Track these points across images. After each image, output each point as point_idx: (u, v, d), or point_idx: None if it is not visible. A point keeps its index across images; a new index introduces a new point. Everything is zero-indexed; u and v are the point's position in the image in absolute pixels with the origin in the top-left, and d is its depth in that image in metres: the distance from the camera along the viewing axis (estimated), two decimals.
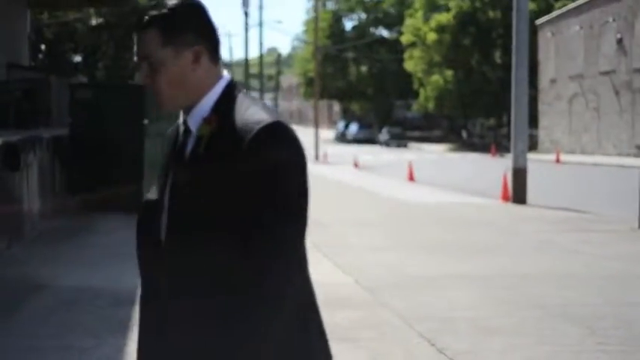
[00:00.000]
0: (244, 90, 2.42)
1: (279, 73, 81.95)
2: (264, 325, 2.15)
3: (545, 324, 7.41)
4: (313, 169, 36.77)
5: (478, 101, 64.12)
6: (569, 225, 15.25)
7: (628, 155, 43.64)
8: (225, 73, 2.40)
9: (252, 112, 2.29)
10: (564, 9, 56.23)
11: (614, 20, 47.93)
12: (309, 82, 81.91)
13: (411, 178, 28.71)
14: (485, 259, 11.12)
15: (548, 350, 6.54)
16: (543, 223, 15.53)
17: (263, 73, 66.43)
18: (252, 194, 2.18)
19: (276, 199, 2.22)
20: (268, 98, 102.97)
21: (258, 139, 2.21)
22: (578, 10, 52.84)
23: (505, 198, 20.25)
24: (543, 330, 7.19)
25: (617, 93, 48.00)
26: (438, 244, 12.65)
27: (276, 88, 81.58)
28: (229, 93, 2.35)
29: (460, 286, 9.11)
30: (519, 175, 19.98)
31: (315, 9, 61.03)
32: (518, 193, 19.87)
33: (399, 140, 72.81)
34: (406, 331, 7.15)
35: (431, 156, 53.89)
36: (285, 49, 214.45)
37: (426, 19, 65.72)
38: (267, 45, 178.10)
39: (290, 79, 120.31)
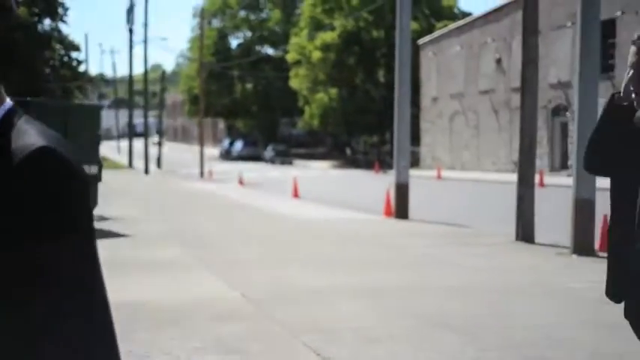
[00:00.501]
0: (25, 116, 2.15)
1: (163, 90, 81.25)
2: None
3: (426, 333, 7.63)
4: (198, 187, 36.63)
5: (362, 119, 65.02)
6: (450, 239, 15.66)
7: (506, 171, 44.92)
8: (8, 100, 2.15)
9: (25, 136, 1.97)
10: (445, 29, 57.66)
11: (493, 41, 49.37)
12: (193, 100, 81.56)
13: (296, 194, 28.93)
14: (369, 272, 11.34)
15: (429, 357, 6.75)
16: (425, 238, 15.91)
17: (147, 90, 65.79)
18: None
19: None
20: (152, 115, 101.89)
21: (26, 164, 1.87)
22: (458, 31, 54.25)
23: (388, 213, 20.64)
24: (425, 338, 7.40)
25: (495, 111, 49.40)
26: (323, 258, 12.82)
27: (161, 105, 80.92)
28: (8, 120, 2.06)
29: (345, 299, 9.28)
30: (401, 191, 20.40)
31: (201, 26, 60.91)
32: (400, 209, 20.28)
33: (284, 157, 73.18)
34: (292, 343, 7.25)
35: (316, 172, 54.34)
36: (169, 66, 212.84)
37: (311, 38, 66.34)
38: (151, 61, 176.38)
39: (175, 96, 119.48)
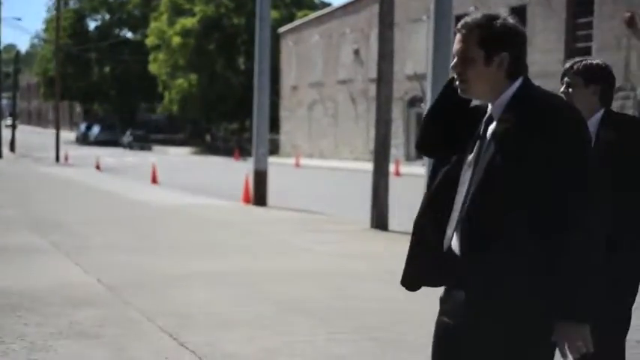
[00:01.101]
0: None
1: (17, 71, 78.83)
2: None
3: (280, 317, 7.84)
4: (54, 172, 35.84)
5: (222, 105, 64.88)
6: (306, 226, 15.95)
7: (363, 160, 45.78)
8: None
9: None
10: (306, 19, 58.15)
11: (351, 32, 50.12)
12: (49, 82, 79.46)
13: (155, 180, 28.72)
14: (224, 258, 11.49)
15: (283, 340, 6.96)
16: (281, 224, 16.15)
17: (0, 71, 63.77)
18: None
19: None
20: (6, 97, 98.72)
21: None
22: (318, 21, 54.82)
23: (247, 200, 20.81)
24: (279, 323, 7.61)
25: (353, 101, 50.21)
26: (179, 244, 12.88)
27: (15, 86, 78.52)
28: None
29: (200, 284, 9.40)
30: (260, 178, 20.60)
31: (57, 7, 59.39)
32: (258, 196, 20.49)
33: (143, 143, 72.27)
34: (148, 327, 7.33)
35: (175, 159, 53.95)
36: (24, 47, 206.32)
37: (171, 23, 65.68)
38: (5, 42, 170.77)
39: (29, 78, 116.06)
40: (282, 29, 59.12)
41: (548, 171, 2.97)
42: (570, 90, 4.45)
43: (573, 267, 2.92)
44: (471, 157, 3.14)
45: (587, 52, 33.31)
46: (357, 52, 49.41)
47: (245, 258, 11.55)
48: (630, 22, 31.23)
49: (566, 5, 34.19)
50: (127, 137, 74.45)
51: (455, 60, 3.13)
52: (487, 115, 3.17)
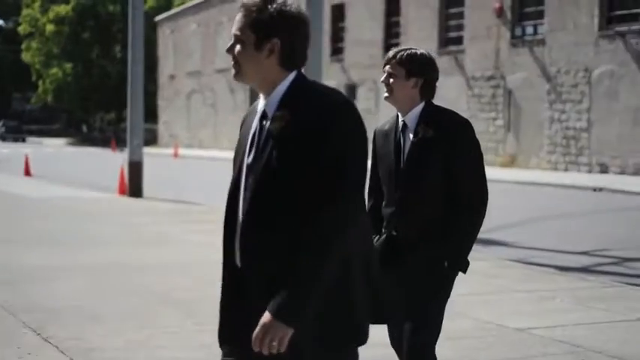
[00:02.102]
0: None
1: None
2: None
3: (148, 309, 7.84)
4: None
5: (98, 95, 63.77)
6: (182, 216, 15.91)
7: None
8: None
9: None
10: (183, 7, 57.61)
11: (229, 20, 49.91)
12: None
13: (28, 172, 28.08)
14: (96, 250, 11.37)
15: (149, 333, 6.97)
16: (157, 215, 16.06)
17: None
18: None
19: None
20: None
21: None
22: (195, 9, 54.41)
23: (122, 191, 20.57)
24: (146, 315, 7.61)
25: (232, 91, 50.07)
26: (50, 237, 12.67)
27: None
28: None
29: (69, 277, 9.29)
30: (135, 169, 20.39)
31: None
32: (133, 187, 20.28)
33: (17, 134, 70.42)
34: (12, 323, 7.23)
35: (50, 150, 52.78)
36: None
37: (44, 10, 64.11)
38: None
39: None
40: (158, 17, 58.43)
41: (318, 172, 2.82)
42: (391, 81, 4.24)
43: (300, 270, 2.78)
44: (249, 159, 2.97)
45: (459, 41, 34.11)
46: None
47: (117, 250, 11.46)
48: (499, 12, 32.11)
49: None
50: None
51: (230, 42, 2.98)
52: (261, 112, 2.99)
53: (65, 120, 79.53)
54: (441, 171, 4.14)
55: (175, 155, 45.21)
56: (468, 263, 4.27)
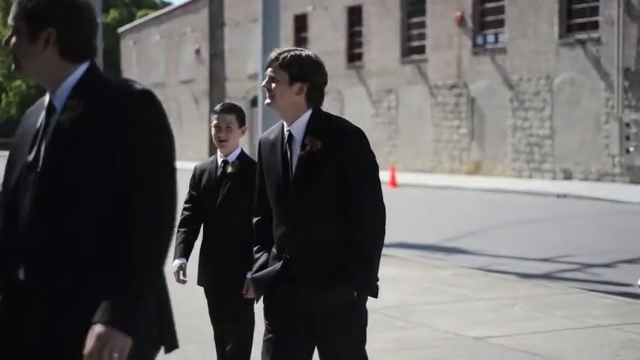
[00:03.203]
0: None
1: None
2: None
3: None
4: None
5: None
6: None
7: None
8: None
9: None
10: (145, 18, 57.38)
11: (192, 31, 49.79)
12: None
13: None
14: None
15: None
16: None
17: None
18: None
19: None
20: None
21: None
22: (158, 20, 54.18)
23: None
24: None
25: (196, 101, 49.92)
26: None
27: None
28: None
29: None
30: None
31: None
32: None
33: None
34: None
35: None
36: None
37: (6, 23, 63.65)
38: None
39: None
40: (121, 29, 58.14)
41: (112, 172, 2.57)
42: (273, 86, 3.79)
43: (129, 272, 2.52)
44: (31, 157, 2.63)
45: (421, 50, 34.18)
46: (198, 52, 49.14)
47: None
48: (460, 21, 32.22)
49: (400, 5, 34.94)
50: None
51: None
52: (47, 106, 2.68)
53: None
54: (333, 185, 3.75)
55: None
56: (377, 287, 3.90)
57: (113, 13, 61.43)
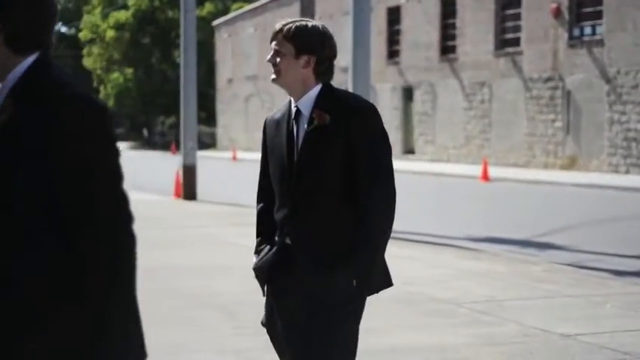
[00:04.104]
0: None
1: None
2: None
3: (191, 312, 7.82)
4: None
5: (158, 99, 64.40)
6: (234, 219, 15.91)
7: None
8: None
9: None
10: (240, 11, 57.90)
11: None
12: None
13: None
14: (141, 253, 11.38)
15: (189, 335, 6.93)
16: (208, 218, 16.09)
17: None
18: None
19: None
20: None
21: None
22: (252, 13, 54.64)
23: (178, 194, 20.70)
24: (187, 317, 7.58)
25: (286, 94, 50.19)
26: None
27: None
28: None
29: None
30: (189, 172, 20.52)
31: None
32: (188, 190, 20.40)
33: None
34: None
35: None
36: None
37: (105, 16, 64.96)
38: None
39: None
40: (216, 22, 58.80)
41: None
42: (278, 60, 3.54)
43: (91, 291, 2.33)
44: None
45: (516, 42, 33.69)
46: None
47: (163, 252, 11.47)
48: (556, 13, 31.63)
49: None
50: None
51: None
52: None
53: (128, 125, 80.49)
54: (341, 164, 3.42)
55: (234, 158, 45.42)
56: (382, 281, 3.53)
57: (208, 7, 62.17)
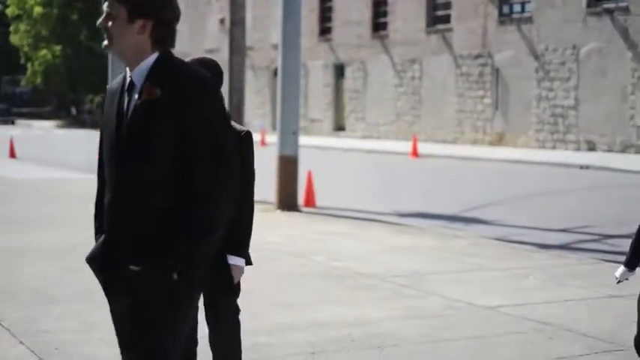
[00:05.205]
0: None
1: None
2: None
3: None
4: None
5: (87, 77, 63.35)
6: None
7: None
8: None
9: None
10: None
11: (217, 0, 49.59)
12: None
13: (13, 154, 27.89)
14: (69, 231, 11.16)
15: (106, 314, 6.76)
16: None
17: None
18: None
19: None
20: None
21: None
22: None
23: None
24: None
25: (253, 69, 49.79)
26: (25, 218, 12.46)
27: None
28: None
29: (27, 260, 9.09)
30: None
31: None
32: None
33: (6, 117, 70.14)
34: None
35: (39, 132, 52.47)
36: None
37: None
38: None
39: None
40: None
41: None
42: (110, 24, 3.08)
43: None
44: None
45: (447, 20, 33.83)
46: (222, 22, 48.95)
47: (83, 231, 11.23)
48: None
49: None
50: None
51: None
52: None
53: (56, 103, 79.11)
54: (170, 145, 3.00)
55: None
56: (210, 274, 3.23)
57: None
